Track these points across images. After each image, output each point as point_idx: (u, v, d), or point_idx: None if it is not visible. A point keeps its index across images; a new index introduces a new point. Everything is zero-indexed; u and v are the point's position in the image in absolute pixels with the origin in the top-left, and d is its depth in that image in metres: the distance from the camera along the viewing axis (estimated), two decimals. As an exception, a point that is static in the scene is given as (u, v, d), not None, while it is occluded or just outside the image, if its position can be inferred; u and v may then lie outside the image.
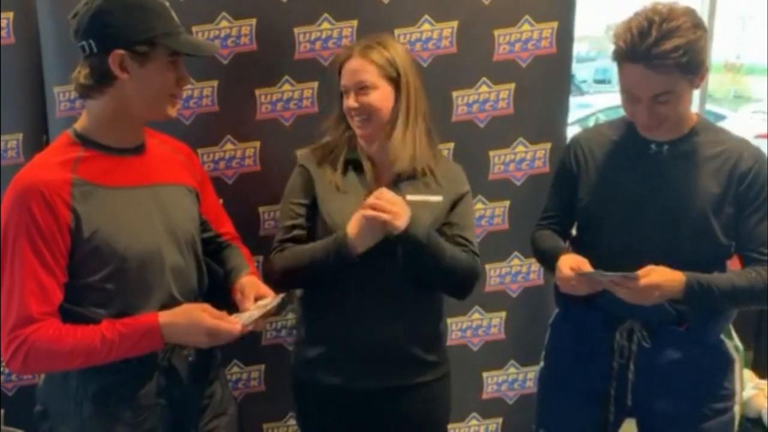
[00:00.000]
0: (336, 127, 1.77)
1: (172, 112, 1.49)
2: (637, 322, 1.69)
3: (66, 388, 1.45)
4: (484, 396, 2.31)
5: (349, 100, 1.67)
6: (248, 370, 2.18)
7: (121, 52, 1.37)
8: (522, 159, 2.16)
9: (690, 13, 1.53)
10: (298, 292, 1.83)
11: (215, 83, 1.98)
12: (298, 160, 1.82)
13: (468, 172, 1.82)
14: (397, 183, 1.69)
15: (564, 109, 2.21)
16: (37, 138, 2.04)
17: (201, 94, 1.98)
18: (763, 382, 2.68)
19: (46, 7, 1.93)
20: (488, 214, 2.17)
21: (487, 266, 2.19)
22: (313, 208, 1.72)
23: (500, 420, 2.34)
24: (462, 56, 2.05)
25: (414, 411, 1.74)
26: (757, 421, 2.57)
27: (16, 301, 1.35)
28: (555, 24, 2.08)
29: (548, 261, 1.75)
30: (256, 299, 1.55)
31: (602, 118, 7.59)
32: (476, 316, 2.24)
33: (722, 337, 1.71)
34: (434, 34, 2.03)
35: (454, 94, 2.08)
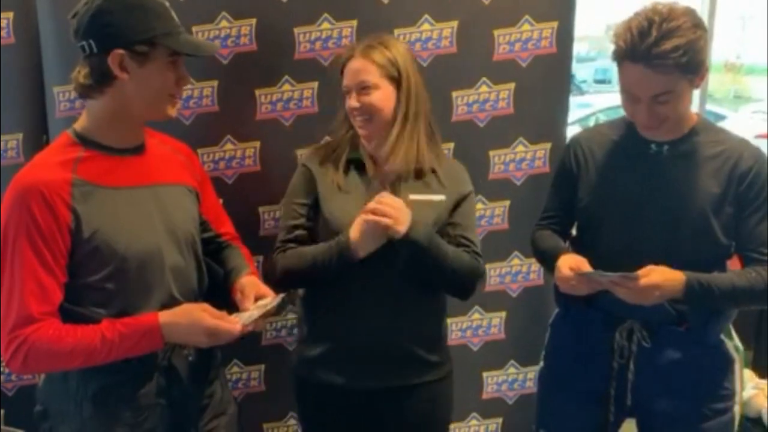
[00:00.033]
0: (341, 127, 1.77)
1: (172, 112, 1.49)
2: (637, 322, 1.69)
3: (66, 388, 1.45)
4: (484, 396, 2.31)
5: (351, 100, 1.68)
6: (248, 370, 2.18)
7: (120, 51, 1.37)
8: (522, 159, 2.16)
9: (690, 12, 1.53)
10: (300, 291, 1.83)
11: (215, 83, 1.98)
12: (300, 160, 1.82)
13: (468, 172, 1.82)
14: (399, 183, 1.69)
15: (564, 109, 2.21)
16: (37, 138, 2.04)
17: (201, 94, 1.98)
18: (763, 381, 2.68)
19: (46, 7, 1.93)
20: (488, 214, 2.17)
21: (487, 266, 2.19)
22: (315, 208, 1.72)
23: (500, 420, 2.34)
24: (462, 56, 2.05)
25: (416, 411, 1.74)
26: (757, 420, 2.57)
27: (16, 301, 1.35)
28: (555, 24, 2.08)
29: (548, 261, 1.75)
30: (256, 299, 1.55)
31: (602, 118, 7.60)
32: (476, 316, 2.24)
33: (722, 337, 1.71)
34: (434, 34, 2.03)
35: (454, 94, 2.08)
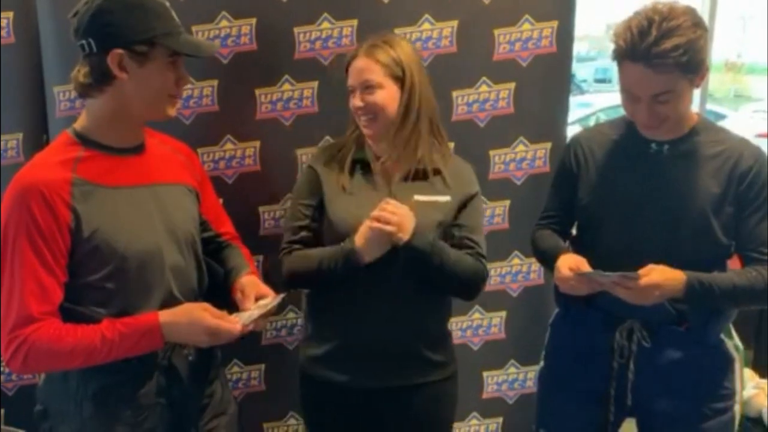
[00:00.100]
0: (349, 127, 1.78)
1: (172, 112, 1.49)
2: (637, 322, 1.68)
3: (66, 387, 1.45)
4: (485, 396, 2.31)
5: (355, 100, 1.68)
6: (248, 369, 2.18)
7: (120, 51, 1.37)
8: (522, 158, 2.16)
9: (690, 12, 1.52)
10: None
11: (215, 83, 1.98)
12: (306, 161, 1.82)
13: (471, 172, 1.82)
14: (404, 183, 1.69)
15: (564, 109, 2.21)
16: (37, 138, 2.04)
17: (201, 93, 1.98)
18: (764, 381, 2.68)
19: (46, 7, 1.93)
20: (488, 214, 2.17)
21: (488, 266, 2.19)
22: (320, 209, 1.72)
23: (500, 420, 2.34)
24: (462, 56, 2.05)
25: (421, 410, 1.74)
26: (757, 420, 2.57)
27: (17, 300, 1.35)
28: (555, 23, 2.08)
29: (548, 261, 1.75)
30: (257, 299, 1.55)
31: (602, 117, 7.60)
32: (476, 315, 2.24)
33: (722, 336, 1.70)
34: (434, 34, 2.03)
35: (454, 93, 2.08)
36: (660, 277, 1.53)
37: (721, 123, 4.49)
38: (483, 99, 2.10)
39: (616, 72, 1.60)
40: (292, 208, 1.77)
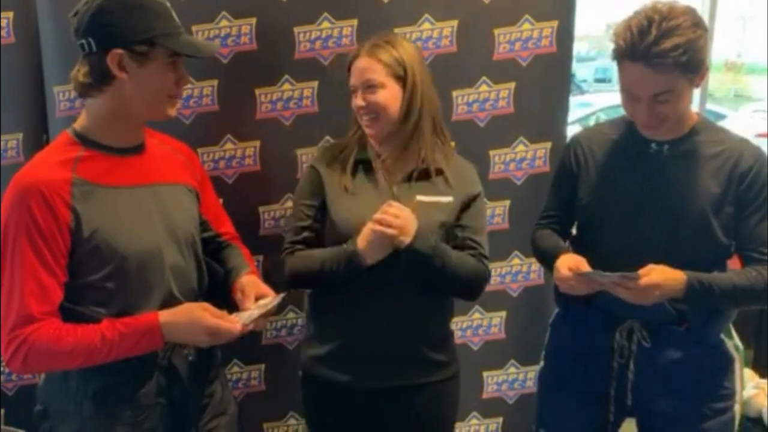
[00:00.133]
0: (351, 127, 1.78)
1: (172, 112, 1.49)
2: (637, 322, 1.68)
3: (66, 387, 1.45)
4: (485, 395, 2.31)
5: (357, 99, 1.68)
6: (248, 369, 2.18)
7: (119, 51, 1.37)
8: (522, 158, 2.16)
9: (690, 12, 1.52)
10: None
11: (215, 83, 1.98)
12: (307, 160, 1.82)
13: (472, 172, 1.82)
14: (406, 183, 1.69)
15: (564, 109, 2.21)
16: (37, 138, 2.04)
17: (201, 93, 1.98)
18: (764, 381, 2.68)
19: (46, 7, 1.93)
20: (488, 214, 2.16)
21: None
22: (322, 209, 1.72)
23: (500, 419, 2.34)
24: (462, 55, 2.05)
25: (423, 410, 1.74)
26: (757, 420, 2.57)
27: (17, 300, 1.35)
28: (555, 23, 2.08)
29: (548, 261, 1.75)
30: (257, 299, 1.55)
31: (602, 117, 7.60)
32: (476, 315, 2.24)
33: (722, 336, 1.70)
34: (434, 34, 2.03)
35: (454, 93, 2.08)
36: (660, 277, 1.53)
37: (721, 123, 4.49)
38: (483, 99, 2.09)
39: (616, 72, 1.60)
40: (294, 207, 1.77)
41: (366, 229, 1.60)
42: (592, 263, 1.61)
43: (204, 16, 1.93)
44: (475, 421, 2.32)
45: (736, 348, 1.74)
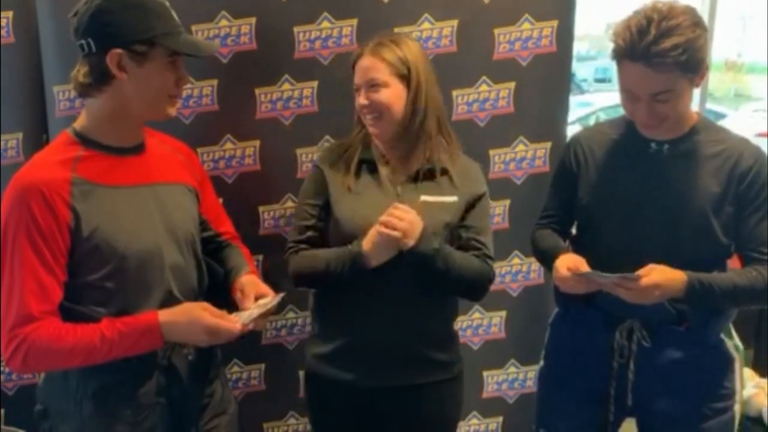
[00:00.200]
0: (355, 127, 1.78)
1: (172, 111, 1.49)
2: (637, 322, 1.68)
3: (66, 387, 1.45)
4: (485, 395, 2.31)
5: (360, 98, 1.68)
6: (248, 369, 2.18)
7: (119, 51, 1.37)
8: (522, 158, 2.16)
9: (690, 11, 1.52)
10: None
11: (215, 82, 1.98)
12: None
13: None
14: (411, 183, 1.69)
15: (564, 108, 2.21)
16: (37, 137, 2.04)
17: (201, 93, 1.98)
18: (764, 380, 2.68)
19: (46, 7, 1.93)
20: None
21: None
22: (326, 209, 1.72)
23: (500, 419, 2.34)
24: (462, 55, 2.05)
25: (426, 410, 1.75)
26: (757, 420, 2.57)
27: (16, 299, 1.35)
28: (555, 23, 2.08)
29: (548, 260, 1.75)
30: (257, 298, 1.55)
31: (602, 116, 7.59)
32: (476, 315, 2.24)
33: (722, 336, 1.70)
34: (434, 33, 2.03)
35: (454, 93, 2.08)
36: (660, 277, 1.53)
37: (721, 122, 4.48)
38: (483, 98, 2.09)
39: (616, 71, 1.59)
40: (298, 207, 1.78)
41: (372, 231, 1.60)
42: (592, 263, 1.61)
43: (204, 16, 1.93)
44: (475, 420, 2.32)
45: (736, 348, 1.74)
